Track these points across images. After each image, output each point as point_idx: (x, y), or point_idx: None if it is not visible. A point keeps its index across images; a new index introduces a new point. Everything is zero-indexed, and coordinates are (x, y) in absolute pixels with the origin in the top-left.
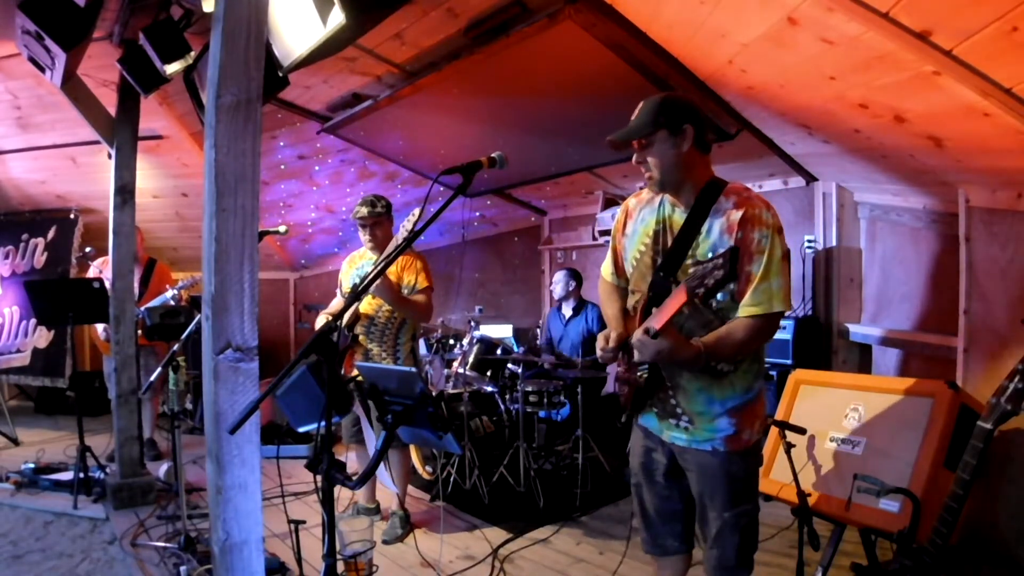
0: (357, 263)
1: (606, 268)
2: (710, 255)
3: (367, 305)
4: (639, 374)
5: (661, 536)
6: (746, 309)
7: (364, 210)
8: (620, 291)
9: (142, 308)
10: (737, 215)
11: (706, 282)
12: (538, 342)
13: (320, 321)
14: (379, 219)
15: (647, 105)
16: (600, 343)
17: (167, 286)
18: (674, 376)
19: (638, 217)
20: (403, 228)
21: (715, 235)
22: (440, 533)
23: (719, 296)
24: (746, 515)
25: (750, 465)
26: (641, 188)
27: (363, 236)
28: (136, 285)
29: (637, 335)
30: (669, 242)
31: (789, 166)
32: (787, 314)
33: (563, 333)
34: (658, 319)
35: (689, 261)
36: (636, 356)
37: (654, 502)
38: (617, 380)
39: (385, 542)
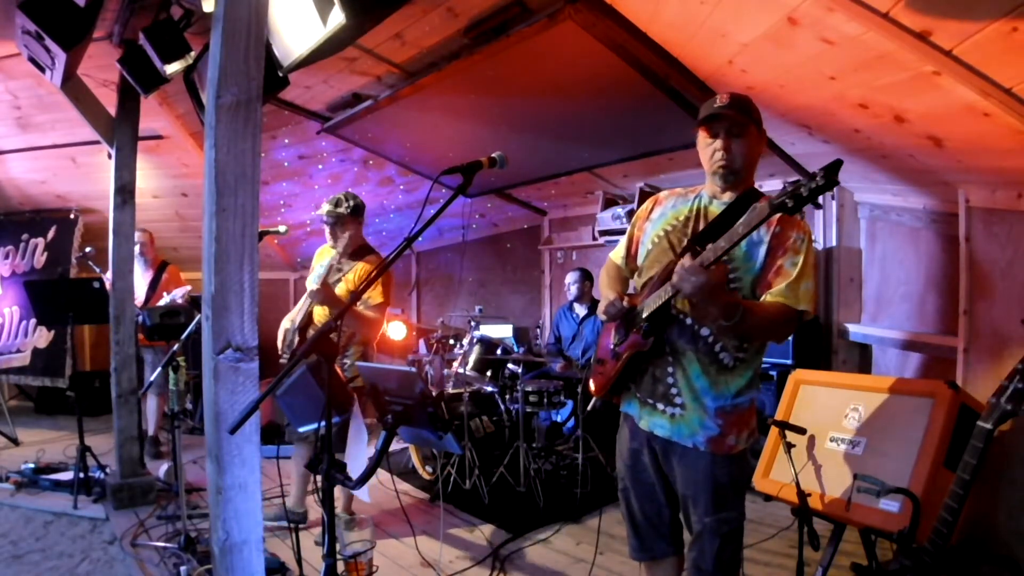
0: (323, 257)
1: (617, 253)
2: (743, 242)
3: (319, 313)
4: (633, 342)
5: (649, 540)
6: (773, 296)
7: (326, 207)
8: (623, 277)
9: (140, 310)
10: (776, 215)
11: (800, 191)
12: (538, 342)
13: (283, 327)
14: (340, 218)
15: (739, 99)
16: (611, 296)
17: (166, 291)
18: (678, 352)
19: (668, 204)
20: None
21: None
22: (440, 533)
23: (743, 283)
24: (727, 522)
25: (735, 472)
26: (642, 189)
27: (327, 232)
28: (146, 287)
29: (684, 262)
30: (700, 226)
31: (789, 166)
32: None
33: (576, 332)
34: (712, 252)
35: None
36: (677, 288)
37: (642, 506)
38: (596, 360)
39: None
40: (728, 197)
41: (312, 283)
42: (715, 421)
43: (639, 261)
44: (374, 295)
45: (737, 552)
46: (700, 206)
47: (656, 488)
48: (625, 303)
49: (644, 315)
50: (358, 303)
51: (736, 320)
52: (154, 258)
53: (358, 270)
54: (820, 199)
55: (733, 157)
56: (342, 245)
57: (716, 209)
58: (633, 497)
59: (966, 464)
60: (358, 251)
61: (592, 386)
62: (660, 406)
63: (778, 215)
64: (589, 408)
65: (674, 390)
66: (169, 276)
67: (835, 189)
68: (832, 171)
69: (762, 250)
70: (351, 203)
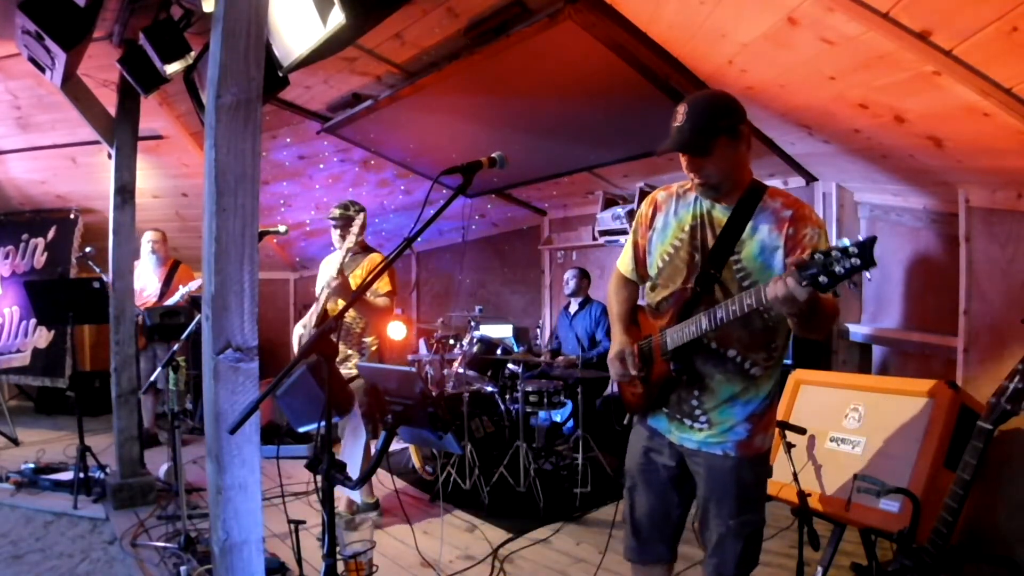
0: (330, 264)
1: (624, 264)
2: (758, 252)
3: (333, 310)
4: (672, 368)
5: (651, 542)
6: None
7: (336, 211)
8: (633, 287)
9: (141, 309)
10: (787, 213)
11: (834, 269)
12: (538, 342)
13: (296, 333)
14: (349, 221)
15: (698, 111)
16: (618, 368)
17: (180, 285)
18: (705, 377)
19: (669, 210)
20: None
21: (763, 232)
22: (440, 533)
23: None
24: (750, 524)
25: (760, 473)
26: (642, 189)
27: (334, 235)
28: (160, 284)
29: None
30: (709, 238)
31: (789, 166)
32: None
33: (569, 329)
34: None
35: (733, 258)
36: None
37: (650, 506)
38: (622, 379)
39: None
40: (728, 200)
41: (322, 285)
42: (744, 426)
43: (650, 272)
44: (381, 285)
45: (757, 554)
46: (703, 211)
47: (667, 489)
48: (636, 372)
49: (670, 348)
50: (367, 293)
51: (810, 308)
52: (166, 256)
53: (365, 264)
54: (819, 199)
55: (705, 175)
56: (349, 243)
57: (720, 215)
58: (640, 496)
59: (966, 464)
60: (362, 251)
61: (625, 397)
62: (687, 422)
63: (789, 214)
64: (626, 423)
65: (698, 411)
66: (181, 274)
67: (835, 189)
68: (864, 246)
69: (778, 256)
70: (357, 207)
